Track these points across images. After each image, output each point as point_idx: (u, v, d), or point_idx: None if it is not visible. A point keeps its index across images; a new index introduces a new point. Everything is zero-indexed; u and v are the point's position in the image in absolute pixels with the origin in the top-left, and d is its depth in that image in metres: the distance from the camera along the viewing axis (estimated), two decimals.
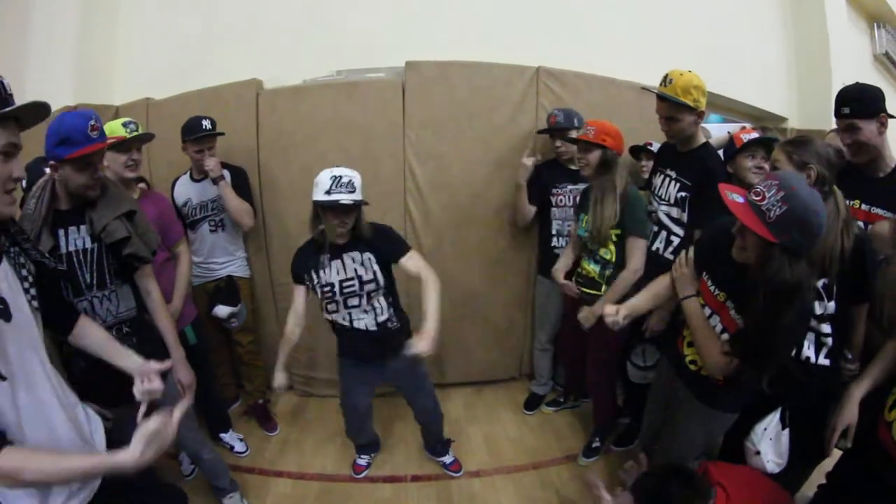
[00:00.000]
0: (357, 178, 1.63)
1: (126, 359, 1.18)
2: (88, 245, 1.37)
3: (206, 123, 2.09)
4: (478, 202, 2.48)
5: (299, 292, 1.78)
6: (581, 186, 2.23)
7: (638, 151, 2.44)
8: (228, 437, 2.36)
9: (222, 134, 2.17)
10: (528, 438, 2.42)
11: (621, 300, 1.66)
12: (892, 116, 1.60)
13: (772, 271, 1.14)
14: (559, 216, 2.31)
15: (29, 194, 1.35)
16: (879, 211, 1.54)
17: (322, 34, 2.59)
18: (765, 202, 1.14)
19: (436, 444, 2.24)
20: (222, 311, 2.23)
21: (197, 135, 2.08)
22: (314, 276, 1.72)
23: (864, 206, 1.56)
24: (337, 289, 1.70)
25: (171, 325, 1.63)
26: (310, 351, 2.64)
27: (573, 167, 2.26)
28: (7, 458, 0.83)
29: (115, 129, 1.71)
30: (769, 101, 3.57)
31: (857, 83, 1.66)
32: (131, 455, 0.88)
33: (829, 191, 1.36)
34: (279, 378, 1.76)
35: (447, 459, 2.24)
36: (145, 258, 1.47)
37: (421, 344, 1.50)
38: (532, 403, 2.62)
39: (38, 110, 0.89)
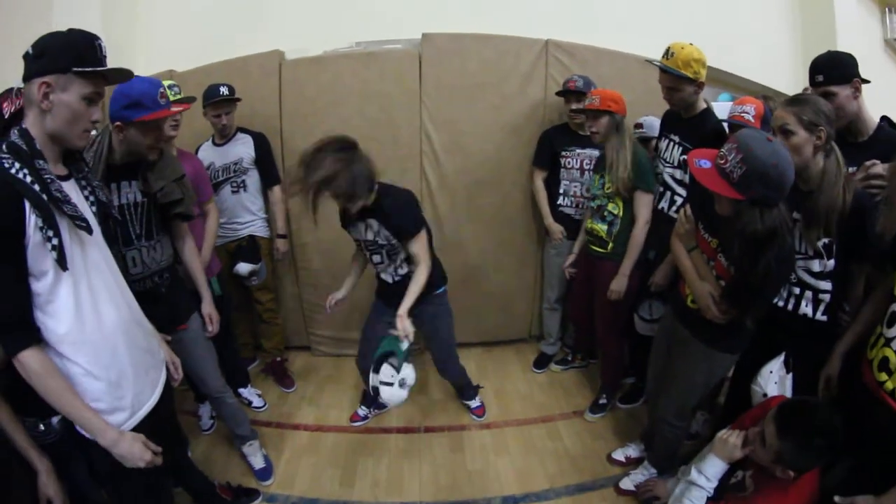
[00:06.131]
0: None
1: None
2: (139, 199, 1.47)
3: (223, 90, 2.21)
4: (490, 167, 2.56)
5: None
6: (589, 151, 2.31)
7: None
8: (247, 392, 2.43)
9: (239, 99, 2.27)
10: (537, 395, 2.49)
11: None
12: (865, 81, 1.61)
13: (743, 223, 1.24)
14: (566, 178, 2.39)
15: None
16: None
17: (340, 8, 2.68)
18: (727, 165, 1.24)
19: (461, 388, 2.36)
20: (244, 268, 2.31)
21: (214, 99, 2.19)
22: (350, 231, 1.94)
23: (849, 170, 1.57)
24: (363, 245, 1.92)
25: (202, 270, 1.78)
26: (324, 312, 2.72)
27: (582, 133, 2.34)
28: (30, 358, 0.92)
29: None
30: (775, 80, 3.60)
31: (829, 51, 1.69)
32: (110, 439, 1.02)
33: (831, 148, 1.38)
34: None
35: (473, 403, 2.37)
36: (192, 216, 1.65)
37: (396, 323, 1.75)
38: (541, 362, 2.69)
39: (123, 74, 1.08)
